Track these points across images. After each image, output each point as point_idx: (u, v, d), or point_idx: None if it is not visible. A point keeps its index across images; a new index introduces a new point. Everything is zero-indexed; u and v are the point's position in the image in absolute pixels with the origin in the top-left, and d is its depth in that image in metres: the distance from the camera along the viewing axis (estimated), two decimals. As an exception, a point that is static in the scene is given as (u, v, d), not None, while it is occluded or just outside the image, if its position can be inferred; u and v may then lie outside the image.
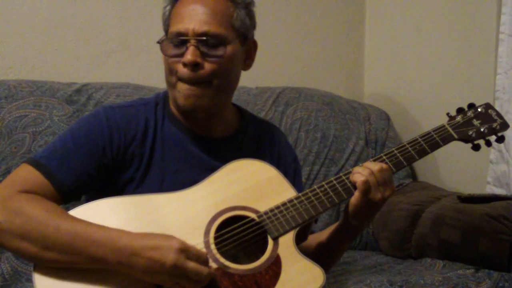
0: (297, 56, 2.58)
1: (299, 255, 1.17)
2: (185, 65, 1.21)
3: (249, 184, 1.23)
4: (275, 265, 1.15)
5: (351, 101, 2.46)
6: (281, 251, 1.16)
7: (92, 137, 1.23)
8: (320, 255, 1.31)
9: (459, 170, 2.24)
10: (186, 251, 1.05)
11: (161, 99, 1.34)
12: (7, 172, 1.70)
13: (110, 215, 1.14)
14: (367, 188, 1.21)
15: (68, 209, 1.14)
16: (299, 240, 1.25)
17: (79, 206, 1.15)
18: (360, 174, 1.22)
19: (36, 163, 1.18)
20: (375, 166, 1.23)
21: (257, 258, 1.16)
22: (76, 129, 1.25)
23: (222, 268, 1.12)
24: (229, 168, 1.24)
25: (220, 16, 1.23)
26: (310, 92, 2.38)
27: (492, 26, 2.07)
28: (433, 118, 2.25)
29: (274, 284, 1.13)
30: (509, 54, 1.99)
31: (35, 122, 1.79)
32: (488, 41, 2.09)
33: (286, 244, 1.17)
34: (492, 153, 2.02)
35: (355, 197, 1.22)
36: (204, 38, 1.21)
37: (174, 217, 1.16)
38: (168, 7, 1.29)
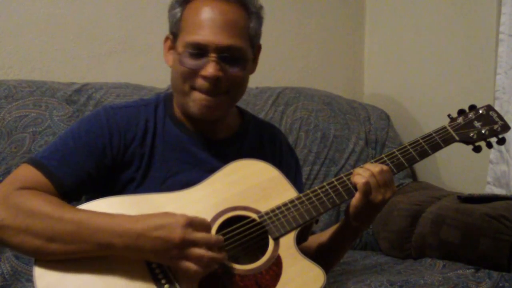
0: (297, 56, 2.58)
1: (299, 256, 1.17)
2: (205, 78, 1.21)
3: (250, 184, 1.23)
4: (276, 265, 1.15)
5: (351, 101, 2.46)
6: (282, 252, 1.17)
7: (92, 137, 1.23)
8: (321, 256, 1.31)
9: (459, 170, 2.24)
10: (192, 224, 1.06)
11: (162, 101, 1.34)
12: (7, 172, 1.70)
13: (110, 214, 1.14)
14: (367, 190, 1.21)
15: (69, 209, 1.14)
16: (300, 240, 1.25)
17: (80, 206, 1.14)
18: (361, 176, 1.22)
19: (36, 163, 1.18)
20: (375, 167, 1.23)
21: (257, 258, 1.16)
22: (76, 129, 1.25)
23: (223, 268, 1.12)
24: (230, 168, 1.24)
25: (239, 28, 1.23)
26: (310, 92, 2.38)
27: (492, 26, 2.07)
28: (433, 118, 2.26)
29: (275, 284, 1.13)
30: (509, 54, 1.99)
31: (35, 122, 1.79)
32: (488, 41, 2.09)
33: (287, 245, 1.18)
34: (492, 153, 2.02)
35: (356, 198, 1.22)
36: (226, 54, 1.21)
37: (175, 217, 1.16)
38: (178, 9, 1.26)
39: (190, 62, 1.22)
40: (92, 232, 1.06)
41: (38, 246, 1.07)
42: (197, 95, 1.23)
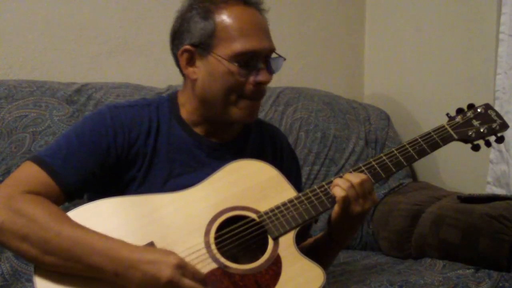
0: (297, 56, 2.58)
1: (299, 255, 1.17)
2: (258, 84, 1.22)
3: (249, 184, 1.23)
4: (276, 265, 1.15)
5: (351, 101, 2.46)
6: (282, 251, 1.17)
7: (96, 136, 1.22)
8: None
9: (459, 170, 2.24)
10: (183, 268, 1.04)
11: (165, 101, 1.32)
12: (7, 172, 1.70)
13: (110, 215, 1.14)
14: (346, 202, 1.20)
15: (70, 209, 1.14)
16: (299, 240, 1.25)
17: (80, 206, 1.14)
18: (340, 188, 1.20)
19: (40, 161, 1.17)
20: (356, 178, 1.21)
21: (257, 258, 1.16)
22: (81, 128, 1.24)
23: (222, 268, 1.12)
24: (229, 168, 1.24)
25: (269, 31, 1.26)
26: (310, 92, 2.38)
27: (492, 26, 2.07)
28: (433, 118, 2.24)
29: (275, 284, 1.13)
30: (509, 54, 1.99)
31: (35, 122, 1.79)
32: (488, 41, 2.09)
33: (286, 244, 1.18)
34: (492, 153, 2.02)
35: (334, 211, 1.22)
36: (269, 58, 1.23)
37: (174, 217, 1.16)
38: (206, 21, 1.21)
39: (243, 72, 1.21)
40: (86, 253, 1.05)
41: (34, 256, 1.06)
42: (246, 102, 1.24)
